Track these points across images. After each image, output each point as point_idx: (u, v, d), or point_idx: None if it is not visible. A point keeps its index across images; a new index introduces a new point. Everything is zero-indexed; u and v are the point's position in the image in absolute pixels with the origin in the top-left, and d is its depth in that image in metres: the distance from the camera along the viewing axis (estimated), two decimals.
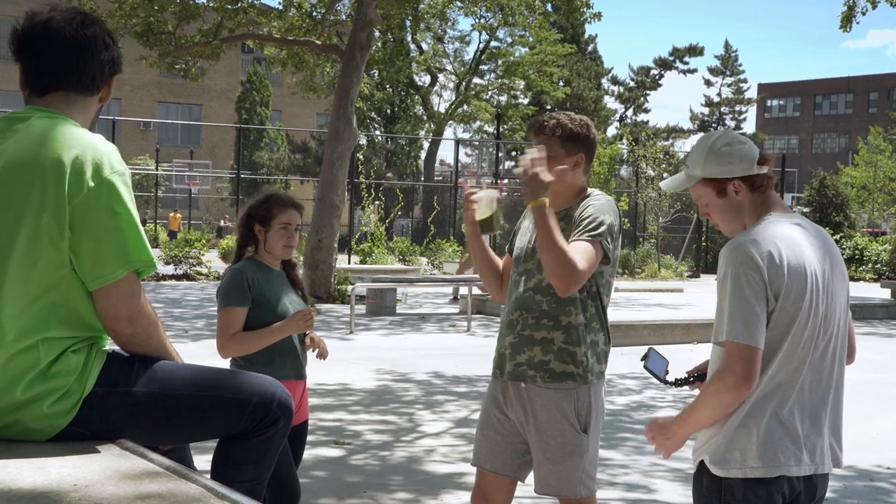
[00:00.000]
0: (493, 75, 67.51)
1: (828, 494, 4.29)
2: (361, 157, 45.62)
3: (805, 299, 4.03)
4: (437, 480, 8.86)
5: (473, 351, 16.93)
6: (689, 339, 19.12)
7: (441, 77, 69.14)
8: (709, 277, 42.01)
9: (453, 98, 68.35)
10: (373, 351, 17.03)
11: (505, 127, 64.80)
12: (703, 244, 46.09)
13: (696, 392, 4.33)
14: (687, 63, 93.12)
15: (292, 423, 4.12)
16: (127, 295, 3.66)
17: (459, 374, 14.67)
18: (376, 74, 61.27)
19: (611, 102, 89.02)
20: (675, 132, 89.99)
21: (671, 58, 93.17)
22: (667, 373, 4.63)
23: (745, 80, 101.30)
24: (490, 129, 70.61)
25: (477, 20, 61.00)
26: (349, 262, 35.88)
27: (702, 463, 4.18)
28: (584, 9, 30.14)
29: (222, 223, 59.81)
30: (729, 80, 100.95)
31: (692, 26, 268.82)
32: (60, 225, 3.53)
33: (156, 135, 79.06)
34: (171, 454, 3.87)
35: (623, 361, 15.75)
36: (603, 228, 5.08)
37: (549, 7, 35.80)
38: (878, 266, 42.35)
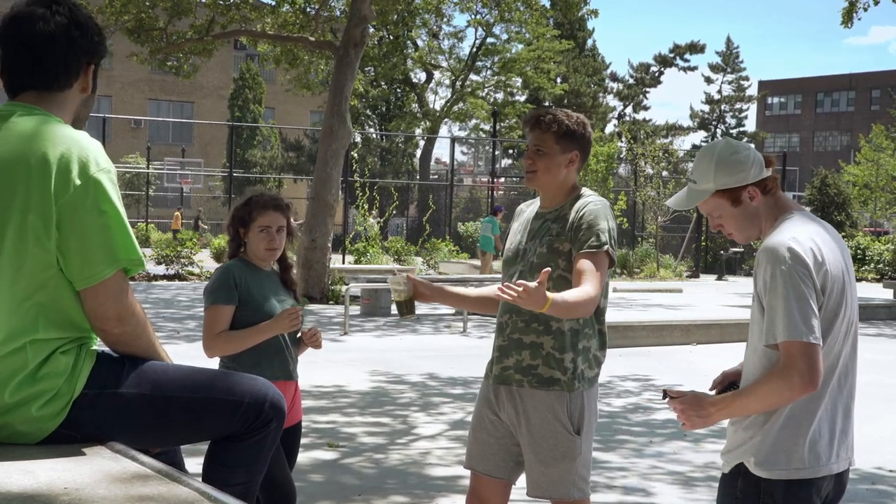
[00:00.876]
0: (489, 72, 67.50)
1: None
2: (356, 155, 45.69)
3: (843, 296, 4.09)
4: (432, 483, 8.86)
5: (469, 352, 16.93)
6: (689, 340, 19.13)
7: (437, 74, 69.12)
8: (708, 278, 42.05)
9: (449, 95, 68.31)
10: (367, 352, 17.03)
11: (501, 125, 64.80)
12: (703, 244, 46.12)
13: None
14: (687, 60, 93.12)
15: (284, 425, 4.12)
16: (115, 294, 3.65)
17: (455, 376, 14.68)
18: (371, 71, 61.28)
19: (609, 100, 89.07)
20: (674, 130, 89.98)
21: (671, 55, 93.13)
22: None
23: (745, 78, 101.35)
24: (486, 126, 70.55)
25: (473, 16, 61.01)
26: (343, 262, 35.87)
27: (739, 465, 4.19)
28: (582, 4, 30.16)
29: (199, 222, 59.58)
30: (730, 77, 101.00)
31: (693, 23, 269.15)
32: (47, 224, 3.52)
33: (147, 133, 78.91)
34: (162, 457, 3.87)
35: (621, 363, 15.79)
36: (605, 237, 5.10)
37: (546, 3, 35.82)
38: (881, 266, 42.38)
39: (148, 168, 61.14)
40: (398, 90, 69.30)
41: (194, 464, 4.45)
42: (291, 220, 6.01)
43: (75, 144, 3.60)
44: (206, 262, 33.17)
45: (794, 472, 4.06)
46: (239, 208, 5.92)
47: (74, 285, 3.62)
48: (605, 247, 5.09)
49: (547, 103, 68.57)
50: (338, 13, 32.18)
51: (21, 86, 3.78)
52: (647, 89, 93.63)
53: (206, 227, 57.46)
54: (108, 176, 3.62)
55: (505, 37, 64.84)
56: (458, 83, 66.62)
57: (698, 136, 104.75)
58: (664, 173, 45.96)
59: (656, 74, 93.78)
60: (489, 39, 65.06)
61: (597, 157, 39.12)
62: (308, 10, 30.61)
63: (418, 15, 35.83)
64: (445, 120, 69.22)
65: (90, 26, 3.86)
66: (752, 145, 4.43)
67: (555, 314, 4.94)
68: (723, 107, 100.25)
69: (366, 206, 38.07)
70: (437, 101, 72.19)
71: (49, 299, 3.60)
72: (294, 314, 5.70)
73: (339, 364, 15.19)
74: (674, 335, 19.24)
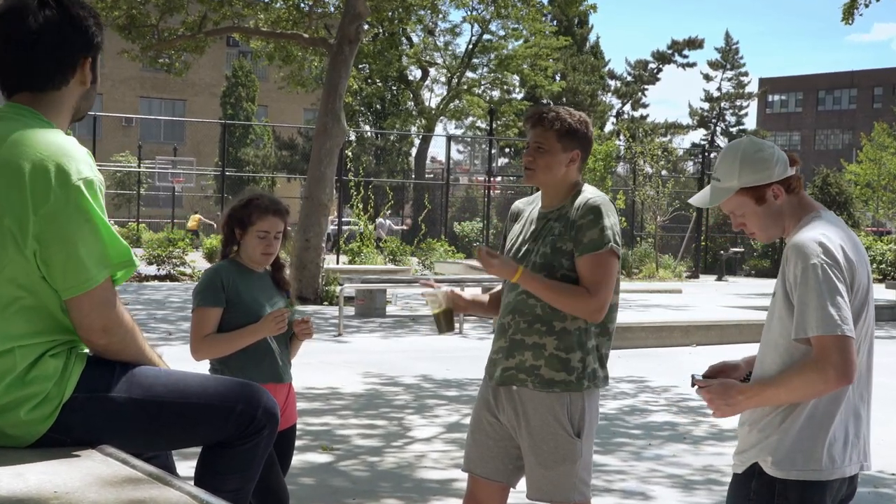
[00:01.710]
0: (485, 69, 67.38)
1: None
2: (350, 153, 45.64)
3: (866, 299, 4.16)
4: (427, 487, 8.87)
5: (465, 354, 16.93)
6: (689, 341, 19.15)
7: (432, 71, 69.04)
8: (708, 278, 42.07)
9: (445, 93, 68.25)
10: (362, 354, 17.03)
11: (498, 123, 64.72)
12: (703, 244, 46.15)
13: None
14: (686, 56, 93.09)
15: (278, 429, 4.12)
16: (101, 305, 3.62)
17: (450, 378, 14.68)
18: (366, 68, 61.24)
19: (608, 97, 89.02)
20: (673, 128, 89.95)
21: (670, 51, 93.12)
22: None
23: (745, 74, 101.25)
24: (483, 124, 70.47)
25: (469, 12, 60.96)
26: (337, 263, 35.84)
27: (753, 465, 4.21)
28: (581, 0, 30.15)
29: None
30: (729, 74, 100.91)
31: (692, 18, 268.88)
32: (23, 231, 3.49)
33: (138, 131, 78.81)
34: (153, 460, 3.85)
35: (619, 365, 15.78)
36: (608, 234, 5.12)
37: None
38: (883, 266, 42.39)
39: (139, 167, 61.02)
40: (393, 88, 69.19)
41: (186, 467, 4.45)
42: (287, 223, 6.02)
43: (58, 152, 3.55)
44: (198, 262, 33.13)
45: (811, 473, 4.09)
46: (238, 209, 5.90)
47: (60, 295, 3.60)
48: (609, 245, 5.10)
49: (544, 101, 68.51)
50: (332, 9, 32.13)
51: (15, 86, 3.74)
52: (646, 87, 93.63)
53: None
54: (90, 185, 3.57)
55: (502, 33, 64.81)
56: (454, 80, 66.56)
57: (698, 135, 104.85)
58: (663, 172, 45.99)
59: (655, 71, 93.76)
60: (485, 36, 65.02)
61: (595, 155, 39.09)
62: (302, 6, 30.62)
63: (413, 11, 35.79)
64: (441, 118, 69.17)
65: (85, 18, 3.79)
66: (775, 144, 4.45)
67: (538, 294, 5.00)
68: (722, 104, 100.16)
69: (360, 206, 38.02)
70: (432, 98, 72.15)
71: (36, 302, 3.59)
72: (280, 317, 5.69)
73: (333, 366, 15.20)
74: (673, 336, 19.26)
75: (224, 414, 3.84)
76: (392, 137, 70.83)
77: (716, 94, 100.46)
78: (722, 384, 4.24)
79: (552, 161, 5.25)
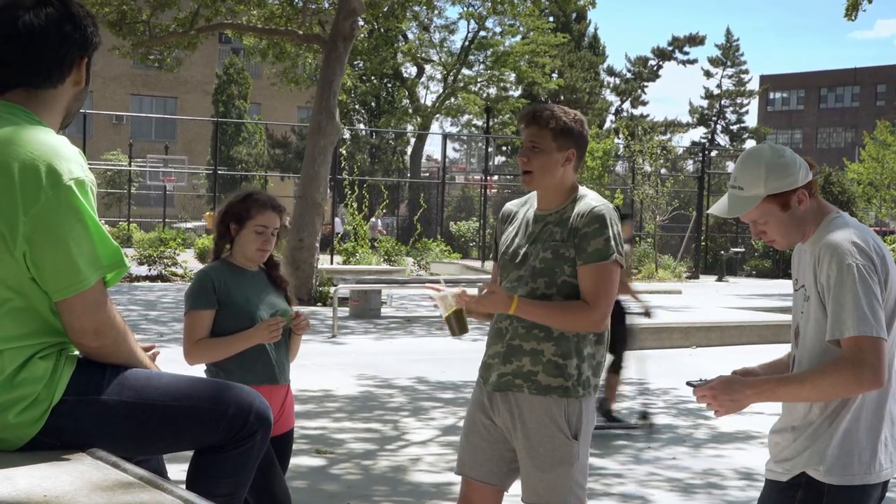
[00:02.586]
0: (482, 66, 67.42)
1: None
2: (344, 152, 45.59)
3: None
4: (423, 491, 8.88)
5: (462, 356, 16.89)
6: (689, 343, 19.16)
7: (428, 68, 69.09)
8: (708, 279, 42.07)
9: (441, 90, 68.29)
10: (356, 356, 17.03)
11: (495, 121, 64.73)
12: (703, 244, 46.17)
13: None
14: (686, 53, 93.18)
15: (273, 433, 4.12)
16: (92, 307, 3.61)
17: (445, 380, 14.70)
18: (360, 65, 61.23)
19: (606, 94, 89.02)
20: (673, 126, 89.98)
21: (670, 47, 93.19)
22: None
23: (746, 72, 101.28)
24: (479, 122, 70.52)
25: (465, 8, 61.02)
26: (332, 263, 35.82)
27: (801, 475, 4.22)
28: None
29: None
30: (730, 71, 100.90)
31: (692, 14, 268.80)
32: (13, 232, 3.48)
33: (129, 129, 78.83)
34: (144, 464, 3.86)
35: None
36: (612, 244, 5.13)
37: None
38: None
39: (130, 166, 60.99)
40: (388, 85, 69.22)
41: (178, 471, 4.45)
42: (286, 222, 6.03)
43: (49, 151, 3.54)
44: (190, 262, 33.13)
45: (864, 477, 4.12)
46: (235, 204, 5.90)
47: (50, 297, 3.59)
48: (613, 256, 5.11)
49: (542, 99, 68.51)
50: (326, 5, 32.13)
51: (10, 83, 3.72)
52: (645, 84, 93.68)
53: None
54: (81, 185, 3.56)
55: (498, 30, 64.87)
56: (450, 78, 66.61)
57: (698, 133, 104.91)
58: (662, 171, 46.00)
59: (654, 68, 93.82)
60: (482, 32, 65.08)
61: (593, 154, 39.11)
62: (296, 2, 30.58)
63: (409, 7, 35.79)
64: (437, 116, 69.20)
65: (81, 18, 3.79)
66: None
67: (537, 320, 5.01)
68: (723, 102, 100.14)
69: (355, 205, 38.02)
70: (428, 96, 72.24)
71: (25, 304, 3.58)
72: (274, 325, 5.70)
73: (327, 368, 15.20)
74: (673, 338, 19.25)
75: (216, 418, 3.84)
76: (387, 136, 70.83)
77: (716, 91, 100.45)
78: (724, 379, 4.25)
79: (548, 161, 5.23)
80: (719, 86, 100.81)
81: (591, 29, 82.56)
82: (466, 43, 65.66)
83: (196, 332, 5.73)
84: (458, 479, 5.58)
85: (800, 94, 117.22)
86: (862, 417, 4.13)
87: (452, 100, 67.25)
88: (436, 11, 61.83)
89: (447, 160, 50.45)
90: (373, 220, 44.48)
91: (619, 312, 11.61)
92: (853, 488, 4.12)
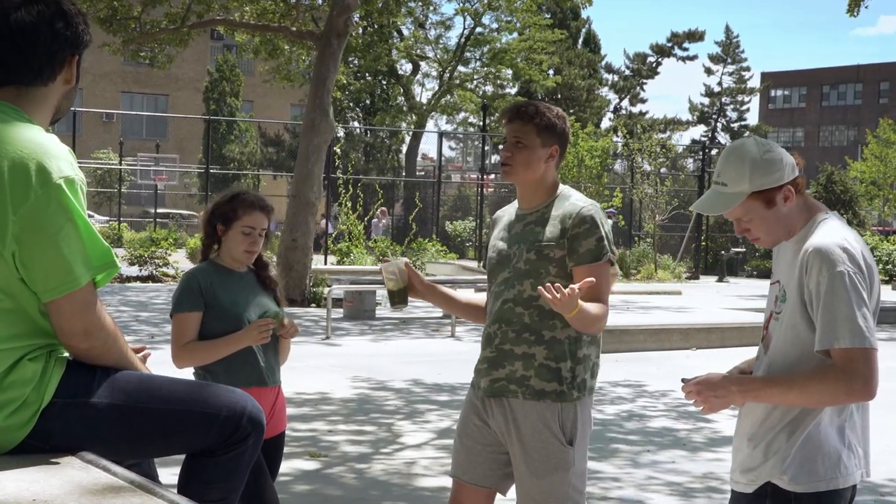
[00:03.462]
0: (478, 63, 67.35)
1: None
2: (339, 150, 45.57)
3: (879, 300, 4.18)
4: (418, 494, 8.88)
5: (458, 357, 16.92)
6: (688, 344, 19.17)
7: (423, 65, 69.01)
8: (708, 279, 42.08)
9: (436, 88, 68.22)
10: (351, 358, 17.03)
11: (491, 119, 64.70)
12: (703, 244, 46.17)
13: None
14: (686, 49, 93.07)
15: (266, 435, 4.12)
16: (82, 308, 3.62)
17: (441, 382, 14.70)
18: (355, 62, 61.20)
19: (604, 92, 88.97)
20: (672, 124, 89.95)
21: (669, 44, 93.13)
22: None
23: (747, 69, 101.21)
24: (475, 120, 70.46)
25: (461, 4, 61.00)
26: (325, 263, 35.80)
27: (766, 485, 4.23)
28: None
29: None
30: (730, 68, 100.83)
31: (691, 10, 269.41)
32: (2, 232, 3.48)
33: (119, 127, 78.90)
34: (135, 468, 3.85)
35: (617, 369, 15.80)
36: (604, 244, 5.17)
37: None
38: (890, 267, 42.42)
39: (120, 164, 60.99)
40: (383, 82, 69.14)
41: (169, 475, 4.46)
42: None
43: (38, 150, 3.54)
44: (181, 262, 33.10)
45: (829, 482, 4.12)
46: (222, 204, 5.91)
47: (39, 298, 3.59)
48: (606, 255, 5.14)
49: (539, 96, 68.50)
50: (320, 1, 32.13)
51: (1, 80, 3.72)
52: (644, 81, 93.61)
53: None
54: (71, 184, 3.56)
55: (495, 26, 64.81)
56: (446, 75, 66.54)
57: (698, 131, 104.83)
58: (662, 170, 45.99)
59: (653, 65, 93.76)
60: (478, 29, 65.00)
61: (591, 152, 39.14)
62: None
63: (404, 3, 35.79)
64: (432, 114, 69.13)
65: (72, 15, 3.80)
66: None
67: (574, 324, 5.02)
68: (723, 99, 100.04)
69: (349, 204, 37.99)
70: (423, 93, 72.11)
71: (15, 305, 3.58)
72: (263, 327, 5.72)
73: (321, 370, 15.20)
74: (672, 339, 19.27)
75: (207, 421, 3.84)
76: (382, 134, 70.75)
77: (716, 88, 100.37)
78: (708, 376, 4.24)
79: (531, 156, 5.26)
80: (720, 83, 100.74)
81: (587, 23, 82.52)
82: (462, 40, 65.55)
83: (184, 335, 5.74)
84: (452, 481, 5.58)
85: (801, 91, 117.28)
86: (824, 422, 4.12)
87: (448, 97, 67.16)
88: (431, 7, 61.85)
89: (443, 159, 50.35)
90: (374, 220, 44.37)
91: None
92: (821, 494, 4.11)
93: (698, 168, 51.70)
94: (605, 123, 79.99)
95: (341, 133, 63.74)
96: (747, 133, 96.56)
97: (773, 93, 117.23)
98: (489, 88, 68.41)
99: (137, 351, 4.08)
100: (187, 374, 5.57)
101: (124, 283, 29.79)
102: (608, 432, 11.63)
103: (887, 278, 41.03)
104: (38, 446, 3.62)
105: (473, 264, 38.66)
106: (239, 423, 3.89)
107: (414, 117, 67.92)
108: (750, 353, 4.73)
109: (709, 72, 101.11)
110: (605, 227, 5.20)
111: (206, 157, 44.87)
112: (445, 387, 14.34)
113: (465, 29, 65.76)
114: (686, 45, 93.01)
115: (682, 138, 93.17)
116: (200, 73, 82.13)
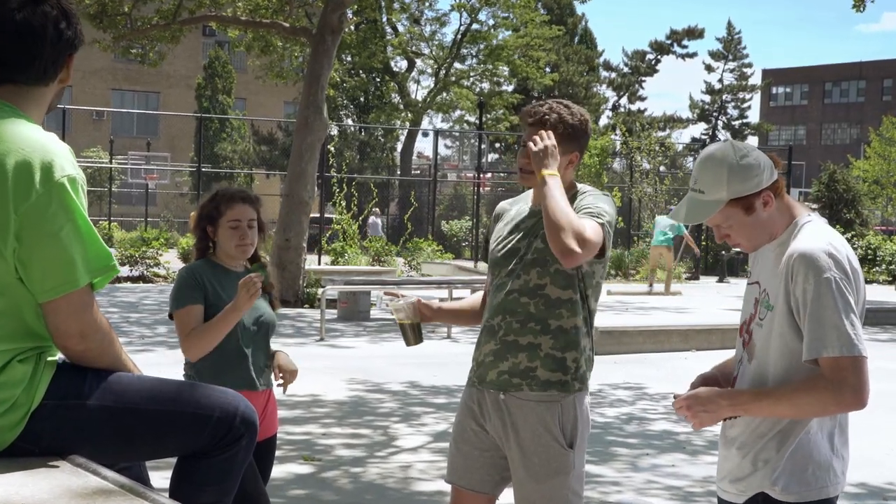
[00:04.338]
0: (474, 60, 67.37)
1: None
2: (333, 149, 45.62)
3: (864, 305, 4.14)
4: (413, 499, 8.88)
5: (454, 359, 16.90)
6: (688, 346, 19.15)
7: (419, 62, 69.06)
8: (709, 280, 42.09)
9: (432, 85, 68.21)
10: (345, 359, 17.02)
11: (488, 116, 64.76)
12: (703, 244, 46.16)
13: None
14: (686, 46, 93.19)
15: (257, 439, 4.11)
16: (78, 309, 3.62)
17: (438, 385, 14.69)
18: (349, 59, 61.22)
19: (603, 90, 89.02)
20: (672, 122, 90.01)
21: (669, 41, 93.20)
22: None
23: (748, 66, 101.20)
24: (472, 118, 70.47)
25: (457, 0, 61.00)
26: (319, 263, 35.78)
27: (757, 495, 4.21)
28: None
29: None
30: (731, 65, 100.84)
31: (691, 7, 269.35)
32: (3, 230, 3.49)
33: (109, 125, 78.80)
34: (126, 471, 3.85)
35: (616, 370, 15.78)
36: (606, 217, 5.06)
37: None
38: (893, 267, 42.41)
39: (111, 163, 61.01)
40: (377, 79, 69.15)
41: (160, 478, 4.45)
42: (261, 214, 6.00)
43: (40, 148, 3.55)
44: (172, 262, 33.09)
45: (820, 490, 4.12)
46: (205, 205, 5.91)
47: (36, 298, 3.59)
48: (603, 222, 5.02)
49: (536, 94, 68.52)
50: None
51: (1, 79, 3.72)
52: (644, 78, 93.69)
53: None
54: (73, 182, 3.57)
55: (491, 22, 64.83)
56: (442, 72, 66.55)
57: (698, 129, 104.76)
58: (661, 168, 46.03)
59: (653, 62, 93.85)
60: (474, 25, 65.02)
61: (590, 151, 39.14)
62: None
63: None
64: (428, 111, 69.16)
65: (72, 15, 3.82)
66: (755, 142, 4.41)
67: (548, 199, 4.88)
68: (724, 97, 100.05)
69: (343, 204, 38.02)
70: (419, 91, 72.21)
71: (7, 307, 3.58)
72: (251, 283, 5.61)
73: (315, 372, 15.17)
74: (672, 341, 19.25)
75: (200, 422, 3.84)
76: (377, 132, 70.77)
77: (717, 86, 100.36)
78: (697, 391, 4.24)
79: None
80: (721, 80, 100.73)
81: (584, 19, 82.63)
82: (458, 36, 65.56)
83: (189, 326, 5.69)
84: (450, 487, 5.57)
85: (803, 88, 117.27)
86: (813, 429, 4.11)
87: (444, 95, 67.17)
88: (426, 3, 61.93)
89: (439, 157, 50.37)
90: (372, 219, 44.39)
91: None
92: None
93: None
94: (604, 121, 80.00)
95: (335, 131, 63.70)
96: (748, 130, 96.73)
97: (774, 90, 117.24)
98: (486, 86, 68.44)
99: None
100: (177, 377, 5.58)
101: (114, 284, 29.73)
102: (607, 435, 11.62)
103: (890, 279, 41.02)
104: (29, 448, 3.62)
105: (470, 264, 38.70)
106: (232, 424, 3.89)
107: (409, 115, 68.01)
108: None
109: (709, 69, 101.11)
110: (611, 211, 5.12)
111: (199, 155, 44.83)
112: (442, 389, 14.34)
113: (461, 25, 65.85)
114: (686, 42, 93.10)
115: (682, 136, 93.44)
116: (192, 70, 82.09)
